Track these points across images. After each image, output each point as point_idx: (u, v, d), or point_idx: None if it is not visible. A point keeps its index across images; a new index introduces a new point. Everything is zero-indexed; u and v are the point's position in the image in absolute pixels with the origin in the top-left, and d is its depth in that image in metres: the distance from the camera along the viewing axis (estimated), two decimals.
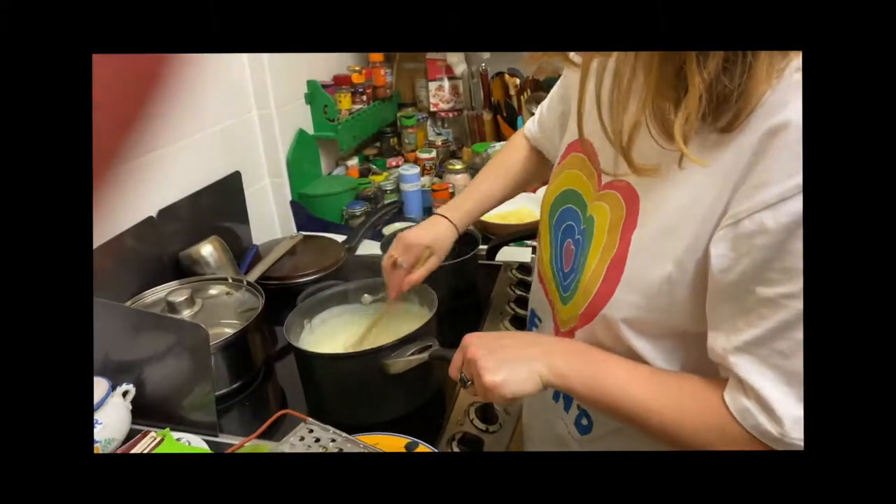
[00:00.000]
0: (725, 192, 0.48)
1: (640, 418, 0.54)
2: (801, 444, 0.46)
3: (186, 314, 0.97)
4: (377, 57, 1.78)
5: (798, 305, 0.44)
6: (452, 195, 1.61)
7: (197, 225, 1.19)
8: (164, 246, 1.13)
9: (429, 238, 0.90)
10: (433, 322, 0.89)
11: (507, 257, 1.31)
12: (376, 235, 1.46)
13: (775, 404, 0.47)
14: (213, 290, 1.07)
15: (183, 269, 1.15)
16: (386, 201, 1.66)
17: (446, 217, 0.91)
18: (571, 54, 0.58)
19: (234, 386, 0.95)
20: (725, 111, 0.46)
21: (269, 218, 1.50)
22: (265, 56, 1.35)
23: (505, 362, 0.58)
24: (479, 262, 1.23)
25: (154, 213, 1.10)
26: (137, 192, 1.07)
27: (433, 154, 1.78)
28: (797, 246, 0.43)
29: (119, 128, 0.97)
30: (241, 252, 1.29)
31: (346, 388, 0.87)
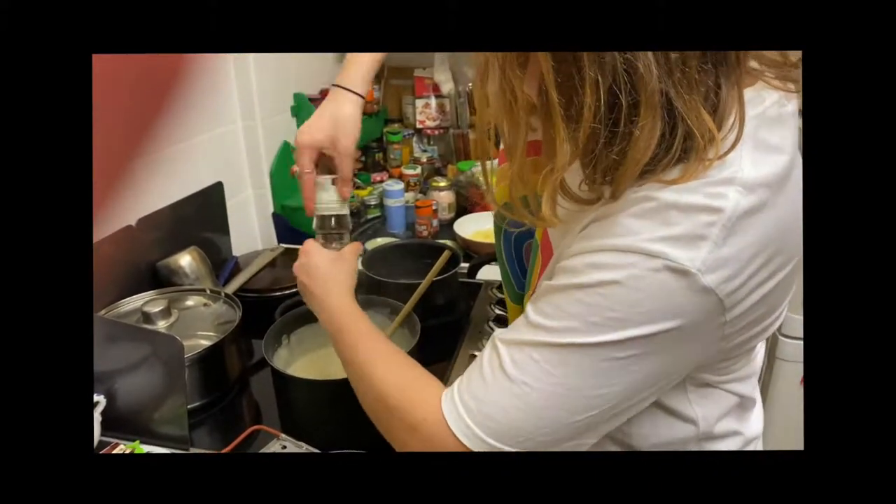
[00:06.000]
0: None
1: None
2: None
3: (162, 325, 0.96)
4: None
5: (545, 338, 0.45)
6: (435, 212, 1.61)
7: (176, 235, 1.18)
8: (143, 255, 1.12)
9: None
10: (415, 352, 0.87)
11: (488, 276, 1.31)
12: None
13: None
14: (191, 301, 1.05)
15: (160, 279, 1.13)
16: (369, 216, 1.66)
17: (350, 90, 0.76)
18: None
19: (208, 399, 0.94)
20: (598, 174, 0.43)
21: (250, 229, 1.49)
22: (252, 67, 1.35)
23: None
24: (460, 279, 1.23)
25: (133, 222, 1.09)
26: (117, 199, 1.06)
27: (418, 171, 1.78)
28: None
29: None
30: (220, 263, 1.28)
31: (323, 410, 0.86)
